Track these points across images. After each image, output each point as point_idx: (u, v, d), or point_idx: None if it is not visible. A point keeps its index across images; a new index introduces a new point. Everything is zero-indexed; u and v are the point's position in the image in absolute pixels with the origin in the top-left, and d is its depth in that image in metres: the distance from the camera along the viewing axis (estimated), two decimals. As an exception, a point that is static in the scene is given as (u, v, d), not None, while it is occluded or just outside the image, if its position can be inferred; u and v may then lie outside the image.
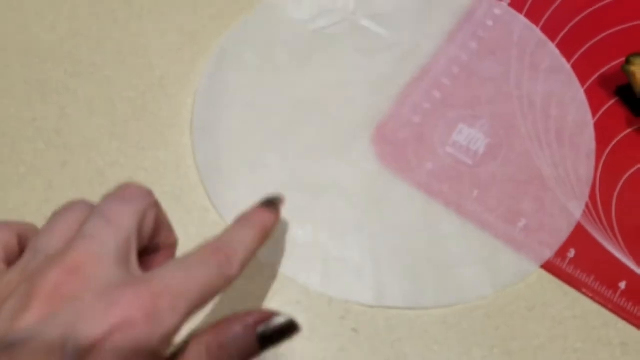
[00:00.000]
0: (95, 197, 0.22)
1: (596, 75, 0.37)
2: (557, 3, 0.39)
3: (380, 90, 0.36)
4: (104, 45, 0.38)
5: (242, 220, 0.25)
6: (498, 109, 0.35)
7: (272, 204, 0.26)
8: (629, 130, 0.35)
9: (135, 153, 0.34)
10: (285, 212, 0.31)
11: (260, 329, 0.21)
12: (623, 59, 0.36)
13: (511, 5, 0.39)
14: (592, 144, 0.34)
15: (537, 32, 0.38)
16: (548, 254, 0.31)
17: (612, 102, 0.36)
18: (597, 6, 0.39)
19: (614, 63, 0.37)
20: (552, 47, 0.37)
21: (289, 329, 0.22)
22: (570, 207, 0.32)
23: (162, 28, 0.38)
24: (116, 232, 0.20)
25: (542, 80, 0.36)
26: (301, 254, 0.32)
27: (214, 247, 0.22)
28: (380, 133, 0.35)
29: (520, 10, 0.39)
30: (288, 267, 0.31)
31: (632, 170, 0.34)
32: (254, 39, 0.37)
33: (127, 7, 0.39)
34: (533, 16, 0.38)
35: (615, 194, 0.33)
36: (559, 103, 0.35)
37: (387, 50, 0.37)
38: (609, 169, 0.34)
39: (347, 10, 0.38)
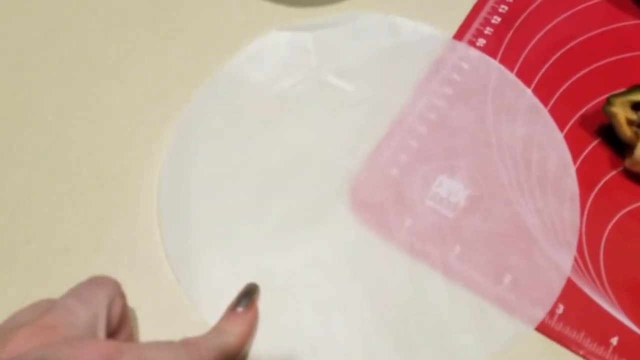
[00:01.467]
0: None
1: (577, 116, 0.36)
2: (530, 45, 0.38)
3: (353, 150, 0.35)
4: (68, 110, 0.36)
5: (219, 327, 0.27)
6: (477, 157, 0.34)
7: (248, 300, 0.29)
8: (613, 173, 0.34)
9: (99, 226, 0.33)
10: (265, 297, 0.30)
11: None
12: (603, 98, 0.35)
13: (485, 50, 0.38)
14: (574, 188, 0.33)
15: (511, 77, 0.37)
16: (541, 314, 0.30)
17: (595, 143, 0.35)
18: (570, 45, 0.38)
19: (593, 102, 0.36)
20: (528, 91, 0.36)
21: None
22: (558, 259, 0.31)
23: (126, 96, 0.37)
24: (87, 310, 0.22)
25: (520, 126, 0.35)
26: (286, 344, 0.29)
27: (190, 341, 0.24)
28: (357, 196, 0.33)
29: (494, 56, 0.38)
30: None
31: (619, 215, 0.33)
32: (220, 106, 0.36)
33: (91, 71, 0.38)
34: (507, 61, 0.38)
35: (603, 242, 0.32)
36: (538, 148, 0.34)
37: (357, 106, 0.36)
38: (595, 215, 0.32)
39: (309, 68, 0.37)
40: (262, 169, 0.34)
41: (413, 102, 0.36)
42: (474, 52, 0.38)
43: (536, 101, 0.36)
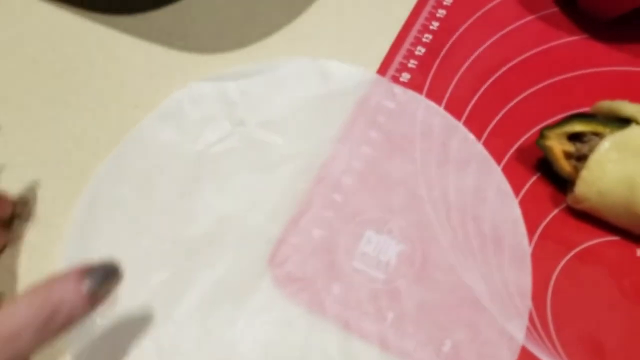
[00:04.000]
0: None
1: (512, 150, 0.33)
2: (458, 75, 0.35)
3: (276, 213, 0.31)
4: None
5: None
6: (409, 210, 0.31)
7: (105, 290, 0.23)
8: (556, 211, 0.31)
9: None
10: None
11: (87, 283, 0.23)
12: (540, 127, 0.33)
13: (410, 85, 0.35)
14: (526, 248, 0.30)
15: (440, 111, 0.34)
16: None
17: (534, 178, 0.32)
18: (500, 71, 0.36)
19: (530, 132, 0.33)
20: (462, 128, 0.33)
21: (113, 273, 0.23)
22: (510, 328, 0.28)
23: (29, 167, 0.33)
24: None
25: (456, 172, 0.32)
26: None
27: None
28: (279, 267, 0.30)
29: (419, 90, 0.35)
30: None
31: (564, 260, 0.30)
32: (130, 174, 0.32)
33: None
34: (434, 94, 0.35)
35: (549, 293, 0.29)
36: (479, 200, 0.31)
37: (285, 163, 0.32)
38: (539, 262, 0.30)
39: (234, 121, 0.34)
40: (178, 242, 0.30)
41: (336, 152, 0.33)
42: (399, 87, 0.35)
43: (475, 142, 0.33)
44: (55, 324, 0.22)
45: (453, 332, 0.28)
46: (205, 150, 0.33)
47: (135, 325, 0.28)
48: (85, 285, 0.22)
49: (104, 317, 0.28)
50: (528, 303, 0.28)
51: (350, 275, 0.29)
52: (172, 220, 0.31)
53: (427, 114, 0.34)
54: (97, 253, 0.30)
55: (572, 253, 0.30)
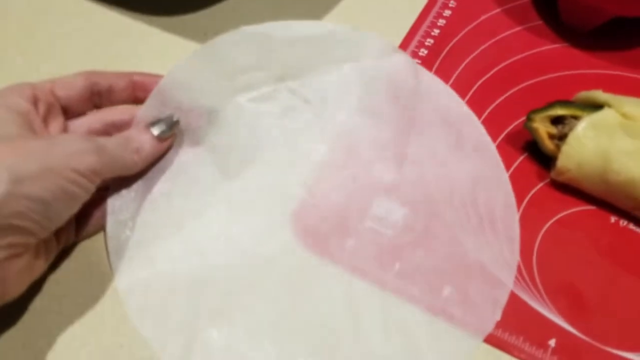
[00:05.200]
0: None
1: (503, 134, 0.38)
2: (456, 74, 0.40)
3: (304, 174, 0.36)
4: None
5: (129, 137, 0.32)
6: (418, 180, 0.35)
7: (168, 130, 0.33)
8: (541, 184, 0.36)
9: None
10: (200, 309, 0.30)
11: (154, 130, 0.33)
12: (525, 117, 0.37)
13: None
14: (516, 230, 0.34)
15: (464, 108, 0.39)
16: (490, 326, 0.31)
17: (522, 158, 0.37)
18: (494, 70, 0.41)
19: (518, 121, 0.38)
20: (479, 125, 0.38)
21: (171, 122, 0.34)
22: (501, 276, 0.32)
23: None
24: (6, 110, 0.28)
25: (468, 161, 0.36)
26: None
27: (97, 138, 0.30)
28: (300, 222, 0.34)
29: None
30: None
31: (548, 224, 0.34)
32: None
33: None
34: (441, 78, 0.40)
35: (535, 250, 0.33)
36: (479, 184, 0.35)
37: (315, 124, 0.37)
38: (526, 226, 0.34)
39: (274, 76, 0.38)
40: (208, 178, 0.35)
41: (357, 124, 0.37)
42: (424, 72, 0.40)
43: (487, 138, 0.37)
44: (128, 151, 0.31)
45: (452, 280, 0.32)
46: (247, 105, 0.37)
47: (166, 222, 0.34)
48: (154, 131, 0.33)
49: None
50: (517, 257, 0.33)
51: (362, 232, 0.34)
52: (205, 153, 0.36)
53: (446, 100, 0.39)
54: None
55: (555, 218, 0.34)
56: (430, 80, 0.39)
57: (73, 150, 0.27)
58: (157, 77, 0.35)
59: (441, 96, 0.39)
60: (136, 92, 0.34)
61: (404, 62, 0.39)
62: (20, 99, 0.29)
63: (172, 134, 0.34)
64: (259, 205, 0.35)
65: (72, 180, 0.27)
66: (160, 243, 0.33)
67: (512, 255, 0.33)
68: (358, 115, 0.38)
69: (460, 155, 0.36)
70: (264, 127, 0.37)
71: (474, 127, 0.37)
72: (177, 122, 0.34)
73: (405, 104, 0.38)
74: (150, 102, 0.34)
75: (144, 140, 0.32)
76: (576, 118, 0.34)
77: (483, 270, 0.32)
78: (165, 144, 0.34)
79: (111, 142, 0.30)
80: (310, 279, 0.32)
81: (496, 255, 0.33)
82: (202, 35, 0.43)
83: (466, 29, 0.43)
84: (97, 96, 0.33)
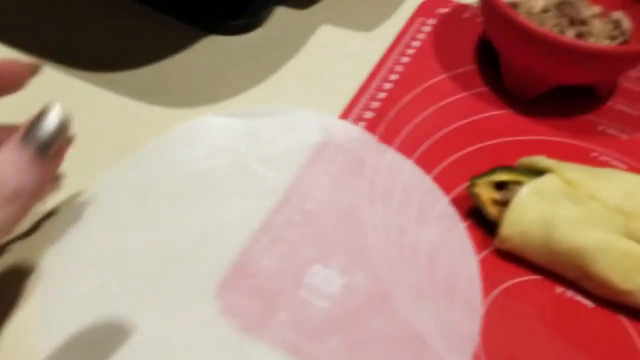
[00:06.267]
0: None
1: (449, 198, 0.36)
2: (400, 138, 0.40)
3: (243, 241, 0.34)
4: None
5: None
6: (357, 247, 0.34)
7: (55, 142, 0.21)
8: (485, 253, 0.34)
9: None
10: None
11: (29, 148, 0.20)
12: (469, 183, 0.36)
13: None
14: (479, 301, 0.32)
15: (428, 181, 0.37)
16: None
17: (466, 224, 0.35)
18: (438, 135, 0.40)
19: (462, 186, 0.37)
20: (442, 197, 0.37)
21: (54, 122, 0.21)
22: (459, 349, 0.30)
23: None
24: None
25: (417, 221, 0.35)
26: None
27: None
28: (226, 287, 0.32)
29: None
30: None
31: (493, 295, 0.32)
32: (129, 184, 0.36)
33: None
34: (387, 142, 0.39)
35: (479, 326, 0.31)
36: (438, 251, 0.34)
37: (271, 195, 0.36)
38: (470, 296, 0.32)
39: (237, 152, 0.38)
40: (157, 249, 0.33)
41: (295, 187, 0.36)
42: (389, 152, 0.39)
43: (452, 209, 0.36)
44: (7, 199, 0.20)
45: (400, 357, 0.29)
46: (202, 173, 0.37)
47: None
48: (28, 150, 0.20)
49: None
50: (477, 329, 0.30)
51: (295, 303, 0.31)
52: (158, 228, 0.34)
53: (410, 174, 0.37)
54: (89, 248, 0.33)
55: (501, 289, 0.32)
56: (392, 155, 0.38)
57: None
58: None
59: (404, 170, 0.38)
60: None
61: (364, 139, 0.39)
62: None
63: (62, 141, 0.21)
64: (180, 270, 0.32)
65: None
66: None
67: (473, 327, 0.31)
68: (311, 183, 0.37)
69: (422, 225, 0.35)
70: (221, 188, 0.36)
71: (437, 198, 0.36)
72: (66, 121, 0.22)
73: (368, 175, 0.37)
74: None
75: (20, 171, 0.20)
76: (519, 184, 0.33)
77: (437, 343, 0.30)
78: (58, 162, 0.22)
79: None
80: (243, 355, 0.29)
81: (452, 327, 0.31)
82: (143, 94, 0.41)
83: (413, 93, 0.43)
84: None
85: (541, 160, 0.34)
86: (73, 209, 0.34)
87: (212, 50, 0.45)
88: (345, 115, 0.41)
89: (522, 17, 0.38)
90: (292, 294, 0.31)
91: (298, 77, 0.44)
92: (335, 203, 0.36)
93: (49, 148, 0.20)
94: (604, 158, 0.39)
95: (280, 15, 0.48)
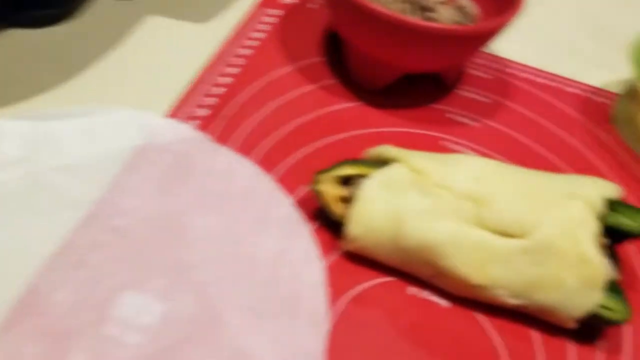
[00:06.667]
0: None
1: (293, 200, 0.32)
2: (248, 126, 0.35)
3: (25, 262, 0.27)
4: None
5: None
6: (181, 263, 0.28)
7: None
8: (333, 258, 0.30)
9: None
10: None
11: None
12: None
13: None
14: (324, 314, 0.27)
15: (246, 163, 0.33)
16: None
17: (313, 228, 0.31)
18: (280, 131, 0.36)
19: (309, 185, 0.33)
20: (282, 195, 0.31)
21: None
22: None
23: None
24: None
25: (270, 235, 0.29)
26: None
27: None
28: (7, 330, 0.24)
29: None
30: None
31: (343, 305, 0.28)
32: None
33: None
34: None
35: (328, 340, 0.27)
36: (279, 261, 0.29)
37: (74, 211, 0.29)
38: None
39: (28, 162, 0.30)
40: None
41: (105, 200, 0.30)
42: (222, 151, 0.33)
43: (295, 212, 0.31)
44: None
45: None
46: None
47: None
48: None
49: None
50: (321, 346, 0.26)
51: (97, 342, 0.25)
52: None
53: (248, 176, 0.32)
54: None
55: (348, 297, 0.28)
56: (227, 156, 0.33)
57: None
58: None
59: (241, 172, 0.32)
60: None
61: (194, 138, 0.33)
62: None
63: None
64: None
65: None
66: None
67: (316, 345, 0.26)
68: (125, 194, 0.30)
69: (262, 232, 0.30)
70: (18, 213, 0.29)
71: (280, 201, 0.31)
72: None
73: (198, 179, 0.31)
74: None
75: None
76: (366, 177, 0.30)
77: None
78: None
79: None
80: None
81: (293, 349, 0.26)
82: None
83: (253, 88, 0.39)
84: None
85: (387, 150, 0.31)
86: None
87: (9, 45, 0.37)
88: (173, 114, 0.36)
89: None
90: (93, 332, 0.25)
91: (116, 74, 0.37)
92: (153, 215, 0.29)
93: None
94: (454, 146, 0.37)
95: (97, 5, 0.42)
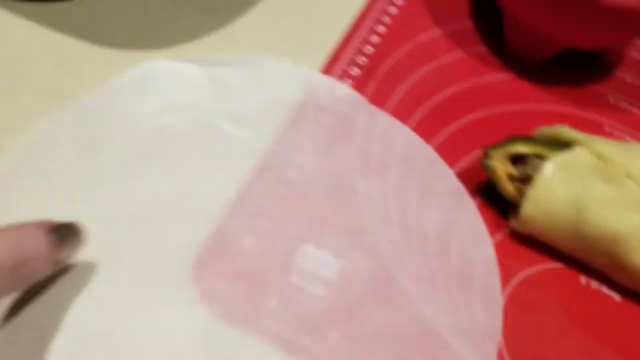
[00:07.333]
0: None
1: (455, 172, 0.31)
2: (391, 105, 0.34)
3: (210, 206, 0.27)
4: None
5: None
6: (352, 223, 0.28)
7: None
8: (499, 237, 0.29)
9: None
10: None
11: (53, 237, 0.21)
12: (478, 154, 0.32)
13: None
14: (498, 291, 0.27)
15: (407, 131, 0.32)
16: None
17: (474, 202, 0.30)
18: (437, 98, 0.35)
19: (469, 157, 0.32)
20: (449, 172, 0.31)
21: (77, 234, 0.23)
22: (480, 344, 0.25)
23: None
24: None
25: (422, 199, 0.29)
26: None
27: None
28: (203, 268, 0.25)
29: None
30: None
31: (512, 285, 0.28)
32: (73, 135, 0.28)
33: None
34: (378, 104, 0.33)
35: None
36: (458, 238, 0.28)
37: (246, 158, 0.29)
38: (486, 288, 0.27)
39: (200, 107, 0.30)
40: (111, 217, 0.26)
41: (274, 151, 0.29)
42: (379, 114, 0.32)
43: (459, 184, 0.30)
44: (22, 273, 0.20)
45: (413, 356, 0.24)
46: (162, 130, 0.29)
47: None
48: (52, 239, 0.21)
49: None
50: (495, 347, 0.25)
51: (286, 290, 0.25)
52: (110, 194, 0.27)
53: (407, 142, 0.31)
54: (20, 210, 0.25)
55: (519, 278, 0.28)
56: (386, 120, 0.32)
57: None
58: None
59: (401, 138, 0.31)
60: None
61: (353, 99, 0.33)
62: None
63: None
64: (141, 247, 0.25)
65: None
66: None
67: (494, 322, 0.25)
68: (292, 148, 0.30)
69: (426, 202, 0.29)
70: (182, 148, 0.29)
71: (442, 172, 0.30)
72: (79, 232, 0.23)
73: (359, 142, 0.31)
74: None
75: (39, 264, 0.21)
76: (540, 158, 0.29)
77: (456, 341, 0.25)
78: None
79: None
80: (220, 356, 0.23)
81: (471, 323, 0.25)
82: (79, 30, 0.33)
83: (403, 49, 0.37)
84: None
85: (565, 131, 0.29)
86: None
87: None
88: (327, 70, 0.35)
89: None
90: (282, 279, 0.25)
91: (270, 21, 0.37)
92: (322, 172, 0.29)
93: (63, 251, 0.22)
94: (617, 133, 0.35)
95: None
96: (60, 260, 0.22)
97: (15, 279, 0.20)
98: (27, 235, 0.21)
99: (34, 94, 0.30)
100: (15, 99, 0.29)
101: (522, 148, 0.29)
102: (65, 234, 0.22)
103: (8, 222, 0.21)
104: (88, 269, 0.24)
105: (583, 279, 0.28)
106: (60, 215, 0.23)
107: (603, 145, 0.28)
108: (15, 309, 0.23)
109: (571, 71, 0.38)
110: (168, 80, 0.31)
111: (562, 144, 0.29)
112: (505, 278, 0.28)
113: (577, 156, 0.28)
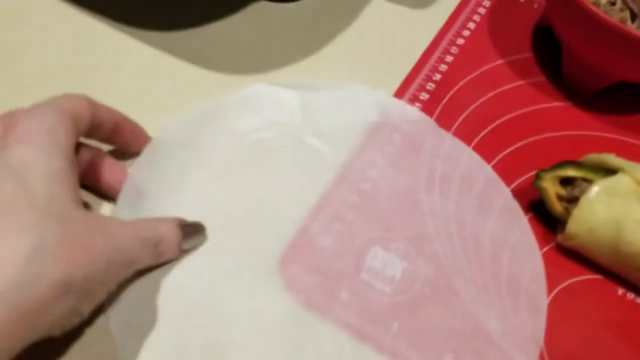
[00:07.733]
0: None
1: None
2: (457, 123, 0.38)
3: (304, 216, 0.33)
4: None
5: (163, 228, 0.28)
6: (416, 231, 0.33)
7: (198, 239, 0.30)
8: (546, 248, 0.33)
9: None
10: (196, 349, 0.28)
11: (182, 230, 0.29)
12: (531, 175, 0.36)
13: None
14: (544, 301, 0.31)
15: (468, 150, 0.37)
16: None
17: (526, 218, 0.34)
18: (496, 123, 0.39)
19: (521, 179, 0.36)
20: (506, 189, 0.35)
21: (200, 232, 0.30)
22: (523, 349, 0.29)
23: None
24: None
25: (492, 222, 0.34)
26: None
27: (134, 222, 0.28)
28: (288, 268, 0.31)
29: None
30: None
31: (554, 292, 0.32)
32: (188, 140, 0.35)
33: None
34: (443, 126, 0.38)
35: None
36: (510, 250, 0.33)
37: (326, 171, 0.34)
38: (532, 292, 0.31)
39: (292, 124, 0.36)
40: (218, 214, 0.32)
41: (351, 165, 0.35)
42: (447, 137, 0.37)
43: (515, 203, 0.35)
44: (159, 250, 0.28)
45: (459, 353, 0.29)
46: (260, 142, 0.35)
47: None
48: (182, 232, 0.29)
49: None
50: (542, 329, 0.30)
51: (357, 285, 0.30)
52: (219, 194, 0.33)
53: (469, 161, 0.36)
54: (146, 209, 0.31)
55: (562, 286, 0.32)
56: (451, 141, 0.37)
57: (135, 251, 0.26)
58: (139, 135, 0.33)
59: (463, 158, 0.36)
60: (115, 135, 0.32)
61: (422, 121, 0.38)
62: (78, 119, 0.27)
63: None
64: (238, 240, 0.31)
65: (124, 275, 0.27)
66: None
67: (538, 328, 0.30)
68: (366, 162, 0.35)
69: (484, 216, 0.34)
70: (277, 159, 0.35)
71: (499, 190, 0.35)
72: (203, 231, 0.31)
73: (426, 159, 0.36)
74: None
75: (171, 245, 0.29)
76: (587, 181, 0.33)
77: (504, 343, 0.29)
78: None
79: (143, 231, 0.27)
80: (307, 328, 0.29)
81: (518, 328, 0.30)
82: (189, 54, 0.40)
83: (468, 78, 0.42)
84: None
85: (611, 159, 0.33)
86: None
87: (263, 15, 0.43)
88: (399, 94, 0.40)
89: (592, 6, 0.36)
90: (354, 276, 0.30)
91: (349, 50, 0.42)
92: (392, 185, 0.34)
93: (189, 245, 0.30)
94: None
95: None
96: (184, 249, 0.29)
97: (157, 253, 0.28)
98: (165, 224, 0.28)
99: (152, 109, 0.36)
100: (137, 113, 0.36)
101: (571, 172, 0.33)
102: (191, 230, 0.30)
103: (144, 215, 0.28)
104: (199, 256, 0.31)
105: (620, 290, 0.32)
106: (179, 207, 0.30)
107: (644, 173, 0.32)
108: (143, 284, 0.29)
109: (623, 100, 0.41)
110: (265, 101, 0.37)
111: (608, 170, 0.33)
112: (550, 287, 0.32)
113: (620, 182, 0.31)
